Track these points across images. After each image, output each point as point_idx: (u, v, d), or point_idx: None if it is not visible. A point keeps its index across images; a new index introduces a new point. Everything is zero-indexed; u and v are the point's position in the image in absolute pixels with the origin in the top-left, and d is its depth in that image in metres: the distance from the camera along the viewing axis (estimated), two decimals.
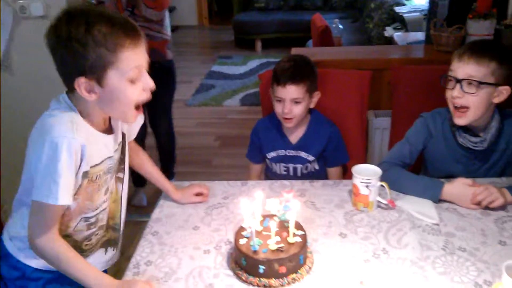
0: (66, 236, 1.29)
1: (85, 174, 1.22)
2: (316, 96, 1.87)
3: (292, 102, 1.80)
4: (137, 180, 3.01)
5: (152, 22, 2.65)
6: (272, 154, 1.95)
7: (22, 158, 1.26)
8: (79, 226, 1.32)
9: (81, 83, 1.14)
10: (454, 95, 1.59)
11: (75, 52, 1.11)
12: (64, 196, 1.16)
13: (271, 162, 1.97)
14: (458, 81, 1.58)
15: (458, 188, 1.53)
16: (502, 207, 1.50)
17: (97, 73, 1.14)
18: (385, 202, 1.52)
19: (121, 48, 1.13)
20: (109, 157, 1.30)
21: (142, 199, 3.11)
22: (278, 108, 1.83)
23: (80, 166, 1.19)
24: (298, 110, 1.82)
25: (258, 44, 6.89)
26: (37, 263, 1.32)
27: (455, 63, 1.60)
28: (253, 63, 6.21)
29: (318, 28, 3.80)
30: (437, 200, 1.55)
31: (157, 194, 1.69)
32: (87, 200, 1.29)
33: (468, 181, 1.54)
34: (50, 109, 1.23)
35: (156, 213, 1.57)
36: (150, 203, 3.03)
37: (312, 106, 1.88)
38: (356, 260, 1.31)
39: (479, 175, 1.71)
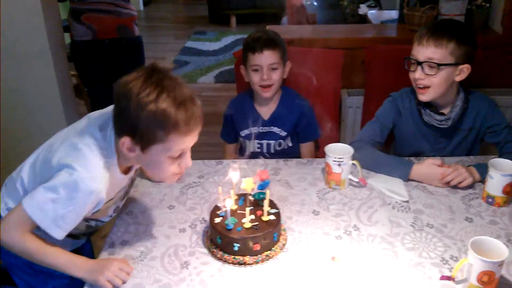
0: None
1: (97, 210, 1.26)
2: (288, 66, 1.89)
3: (269, 68, 1.82)
4: None
5: None
6: (245, 132, 1.96)
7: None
8: (80, 227, 1.33)
9: (126, 142, 1.14)
10: (416, 77, 1.64)
11: (134, 114, 1.10)
12: (54, 230, 1.16)
13: (245, 140, 1.98)
14: (419, 63, 1.62)
15: (426, 168, 1.58)
16: (470, 185, 1.55)
17: (143, 142, 1.14)
18: (356, 180, 1.56)
19: (175, 132, 1.12)
20: (119, 191, 1.35)
21: None
22: (255, 77, 1.84)
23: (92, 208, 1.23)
24: (276, 75, 1.84)
25: (233, 20, 6.82)
26: None
27: (415, 46, 1.64)
28: (227, 40, 6.15)
29: (293, 5, 3.77)
30: (406, 179, 1.59)
31: None
32: (93, 216, 1.32)
33: (437, 161, 1.59)
34: (93, 135, 1.21)
35: (131, 193, 1.56)
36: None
37: (285, 76, 1.89)
38: (328, 237, 1.35)
39: (447, 153, 1.76)
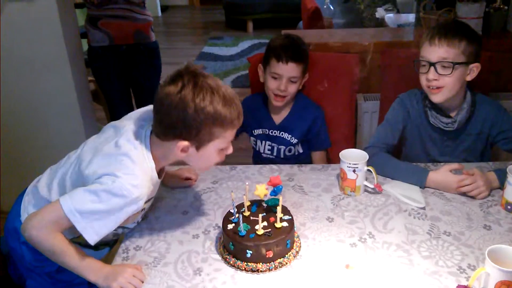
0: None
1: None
2: (305, 77, 1.88)
3: (288, 80, 1.81)
4: None
5: (133, 4, 2.62)
6: (258, 131, 1.96)
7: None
8: (107, 236, 1.34)
9: (182, 146, 1.22)
10: (430, 78, 1.61)
11: (192, 121, 1.19)
12: (90, 233, 1.18)
13: (257, 139, 1.97)
14: (432, 64, 1.59)
15: (443, 176, 1.55)
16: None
17: (201, 143, 1.24)
18: (372, 186, 1.54)
19: (231, 127, 1.25)
20: (152, 198, 1.40)
21: None
22: (272, 84, 1.83)
23: None
24: (292, 89, 1.83)
25: (250, 25, 6.84)
26: None
27: (426, 47, 1.62)
28: (244, 44, 6.16)
29: (309, 10, 3.77)
30: (423, 187, 1.57)
31: None
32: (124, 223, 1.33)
33: (454, 165, 1.56)
34: (130, 145, 1.25)
35: None
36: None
37: (300, 87, 1.88)
38: (343, 244, 1.33)
39: (455, 158, 1.74)
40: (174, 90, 1.19)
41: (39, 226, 1.18)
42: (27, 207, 1.36)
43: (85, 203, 1.16)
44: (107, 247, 1.48)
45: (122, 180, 1.17)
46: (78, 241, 1.29)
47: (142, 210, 1.37)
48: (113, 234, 1.38)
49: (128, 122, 1.34)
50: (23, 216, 1.34)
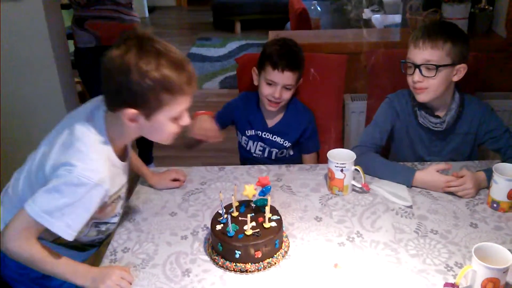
0: (74, 241, 1.29)
1: (104, 203, 1.26)
2: (300, 82, 1.88)
3: (283, 87, 1.80)
4: None
5: (120, 5, 2.61)
6: (251, 132, 1.95)
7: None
8: (90, 233, 1.35)
9: (129, 113, 1.17)
10: (415, 79, 1.63)
11: (137, 86, 1.12)
12: (63, 229, 1.16)
13: (248, 140, 1.97)
14: (417, 66, 1.61)
15: (430, 175, 1.56)
16: None
17: (149, 109, 1.17)
18: (359, 185, 1.55)
19: (181, 93, 1.18)
20: (124, 184, 1.36)
21: None
22: (266, 90, 1.82)
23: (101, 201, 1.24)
24: (287, 95, 1.83)
25: (238, 26, 6.83)
26: None
27: (411, 49, 1.63)
28: (232, 45, 6.16)
29: (296, 10, 3.78)
30: (410, 186, 1.58)
31: (135, 179, 1.68)
32: (103, 215, 1.33)
33: (440, 165, 1.57)
34: (84, 127, 1.22)
35: (133, 200, 1.56)
36: (129, 189, 3.02)
37: (293, 92, 1.88)
38: (331, 243, 1.33)
39: (443, 157, 1.76)
40: (117, 54, 1.13)
41: (13, 237, 1.17)
42: (4, 215, 1.34)
43: (49, 202, 1.14)
44: (94, 248, 1.47)
45: (78, 168, 1.14)
46: (62, 243, 1.27)
47: (118, 199, 1.35)
48: (96, 232, 1.37)
49: (85, 105, 1.31)
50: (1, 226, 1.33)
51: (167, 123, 1.22)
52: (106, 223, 1.38)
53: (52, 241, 1.28)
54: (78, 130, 1.21)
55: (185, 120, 1.26)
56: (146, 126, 1.21)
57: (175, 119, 1.23)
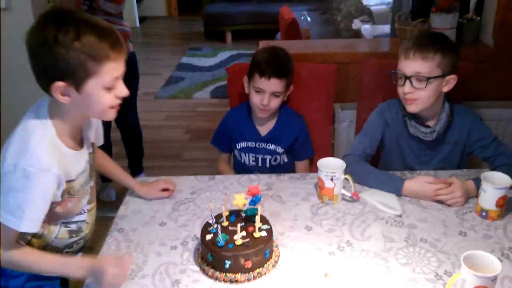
0: (48, 245, 1.32)
1: (64, 191, 1.26)
2: (290, 90, 1.89)
3: (271, 95, 1.81)
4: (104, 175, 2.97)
5: (111, 15, 2.61)
6: (242, 144, 1.95)
7: None
8: (61, 234, 1.34)
9: (58, 87, 1.15)
10: (406, 91, 1.64)
11: (59, 57, 1.11)
12: (28, 225, 1.17)
13: (240, 152, 1.97)
14: (407, 77, 1.62)
15: (419, 185, 1.57)
16: None
17: (77, 79, 1.15)
18: (349, 194, 1.55)
19: (106, 60, 1.15)
20: (82, 172, 1.33)
21: (110, 194, 3.07)
22: (255, 98, 1.83)
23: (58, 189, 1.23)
24: (275, 103, 1.84)
25: (228, 36, 6.85)
26: None
27: (402, 60, 1.65)
28: (223, 55, 6.17)
29: (286, 21, 3.81)
30: (399, 195, 1.58)
31: (126, 189, 1.67)
32: (67, 211, 1.32)
33: (429, 178, 1.57)
34: (29, 118, 1.22)
35: (122, 210, 1.55)
36: (119, 198, 3.00)
37: (284, 99, 1.89)
38: (321, 252, 1.33)
39: (433, 167, 1.77)
40: (36, 30, 1.12)
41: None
42: None
43: (8, 203, 1.15)
44: (76, 255, 1.46)
45: (22, 161, 1.14)
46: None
47: (81, 194, 1.34)
48: (68, 233, 1.36)
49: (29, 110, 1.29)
50: None
51: (100, 94, 1.19)
52: (75, 222, 1.37)
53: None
54: (23, 122, 1.21)
55: (121, 91, 1.23)
56: (80, 101, 1.18)
57: (109, 89, 1.20)
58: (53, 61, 1.12)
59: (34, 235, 1.29)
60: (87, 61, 1.12)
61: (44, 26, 1.11)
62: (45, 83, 1.16)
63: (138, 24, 7.72)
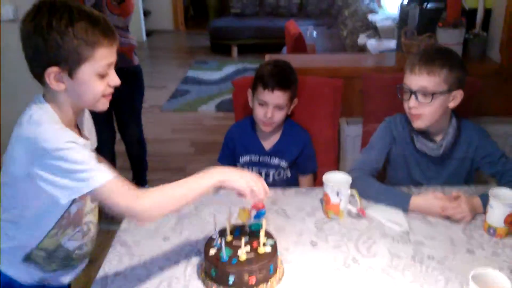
0: (59, 246, 1.32)
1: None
2: (294, 103, 1.89)
3: (275, 107, 1.80)
4: None
5: (118, 28, 2.63)
6: (245, 158, 1.94)
7: None
8: (76, 236, 1.35)
9: (52, 72, 1.16)
10: (411, 105, 1.63)
11: (53, 42, 1.13)
12: (100, 170, 1.15)
13: (243, 166, 1.96)
14: (413, 92, 1.61)
15: (426, 201, 1.55)
16: None
17: (71, 65, 1.16)
18: (355, 210, 1.53)
19: (99, 45, 1.17)
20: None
21: None
22: (259, 111, 1.83)
23: None
24: (279, 116, 1.83)
25: (234, 50, 6.90)
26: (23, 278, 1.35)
27: (408, 75, 1.64)
28: (229, 69, 6.20)
29: (292, 35, 3.82)
30: (406, 211, 1.57)
31: None
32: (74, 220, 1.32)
33: (438, 194, 1.56)
34: (29, 112, 1.20)
35: (125, 223, 1.54)
36: None
37: (289, 113, 1.89)
38: (327, 269, 1.31)
39: (440, 182, 1.75)
40: (29, 17, 1.15)
41: (128, 203, 1.16)
42: None
43: (71, 174, 1.12)
44: (83, 263, 1.46)
45: (48, 145, 1.12)
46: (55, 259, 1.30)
47: (88, 208, 1.36)
48: (80, 234, 1.36)
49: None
50: None
51: (93, 80, 1.20)
52: (86, 223, 1.38)
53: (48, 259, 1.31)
54: (23, 119, 1.19)
55: (114, 80, 1.24)
56: (73, 87, 1.19)
57: (102, 77, 1.21)
58: (47, 46, 1.13)
59: (48, 234, 1.29)
60: (80, 46, 1.14)
61: (37, 12, 1.14)
62: (39, 70, 1.17)
63: (145, 37, 7.79)
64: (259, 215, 1.33)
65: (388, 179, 1.87)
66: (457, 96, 1.63)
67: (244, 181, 1.24)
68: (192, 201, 1.24)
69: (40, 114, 1.18)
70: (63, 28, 1.12)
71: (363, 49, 4.17)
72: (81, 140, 1.21)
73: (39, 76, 1.19)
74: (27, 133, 1.16)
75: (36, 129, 1.15)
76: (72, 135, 1.18)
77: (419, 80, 1.60)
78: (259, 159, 1.93)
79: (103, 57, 1.19)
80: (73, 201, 1.25)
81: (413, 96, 1.62)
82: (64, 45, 1.13)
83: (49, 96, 1.23)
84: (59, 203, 1.16)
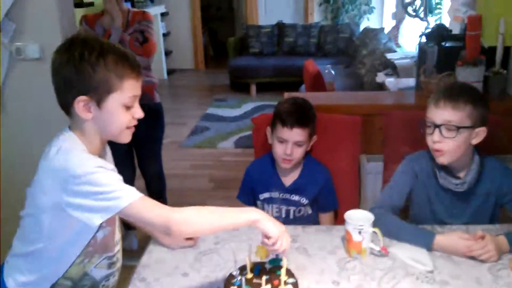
0: (85, 275, 1.34)
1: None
2: (314, 140, 1.89)
3: (294, 144, 1.81)
4: (128, 222, 2.97)
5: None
6: (265, 195, 1.94)
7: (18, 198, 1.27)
8: (101, 264, 1.37)
9: (81, 101, 1.21)
10: (435, 140, 1.62)
11: (84, 73, 1.19)
12: (129, 189, 1.19)
13: (263, 203, 1.95)
14: (437, 126, 1.60)
15: (450, 240, 1.52)
16: None
17: (100, 94, 1.22)
18: (378, 248, 1.50)
19: (127, 77, 1.24)
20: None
21: (132, 242, 3.06)
22: (279, 148, 1.84)
23: None
24: (299, 152, 1.83)
25: (253, 88, 6.98)
26: None
27: (432, 109, 1.63)
28: (247, 106, 6.27)
29: (311, 74, 3.87)
30: (430, 250, 1.53)
31: (148, 237, 1.66)
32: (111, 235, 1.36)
33: (464, 235, 1.52)
34: (56, 143, 1.25)
35: (145, 259, 1.54)
36: (141, 247, 2.98)
37: (308, 149, 1.89)
38: None
39: (464, 219, 1.71)
40: (63, 49, 1.21)
41: (168, 216, 1.22)
42: (13, 275, 1.33)
43: (100, 195, 1.16)
44: None
45: (78, 170, 1.16)
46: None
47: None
48: (108, 264, 1.38)
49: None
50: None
51: (119, 111, 1.26)
52: (114, 254, 1.41)
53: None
54: (50, 150, 1.23)
55: (138, 113, 1.30)
56: (100, 116, 1.25)
57: (127, 108, 1.27)
58: (79, 76, 1.20)
59: (74, 262, 1.30)
60: (110, 77, 1.21)
61: (71, 45, 1.21)
62: (68, 99, 1.22)
63: (166, 76, 7.96)
64: (277, 255, 1.31)
65: (411, 217, 1.84)
66: (480, 133, 1.62)
67: (277, 230, 1.28)
68: (223, 230, 1.27)
69: (68, 143, 1.23)
70: (95, 59, 1.19)
71: (381, 87, 4.18)
72: (109, 165, 1.24)
73: (67, 106, 1.24)
74: (55, 162, 1.19)
75: (65, 157, 1.19)
76: (101, 161, 1.23)
77: (444, 114, 1.59)
78: (279, 195, 1.93)
79: (130, 89, 1.25)
80: (100, 227, 1.27)
81: (437, 130, 1.61)
82: (95, 75, 1.19)
83: (75, 127, 1.28)
84: (85, 230, 1.18)
